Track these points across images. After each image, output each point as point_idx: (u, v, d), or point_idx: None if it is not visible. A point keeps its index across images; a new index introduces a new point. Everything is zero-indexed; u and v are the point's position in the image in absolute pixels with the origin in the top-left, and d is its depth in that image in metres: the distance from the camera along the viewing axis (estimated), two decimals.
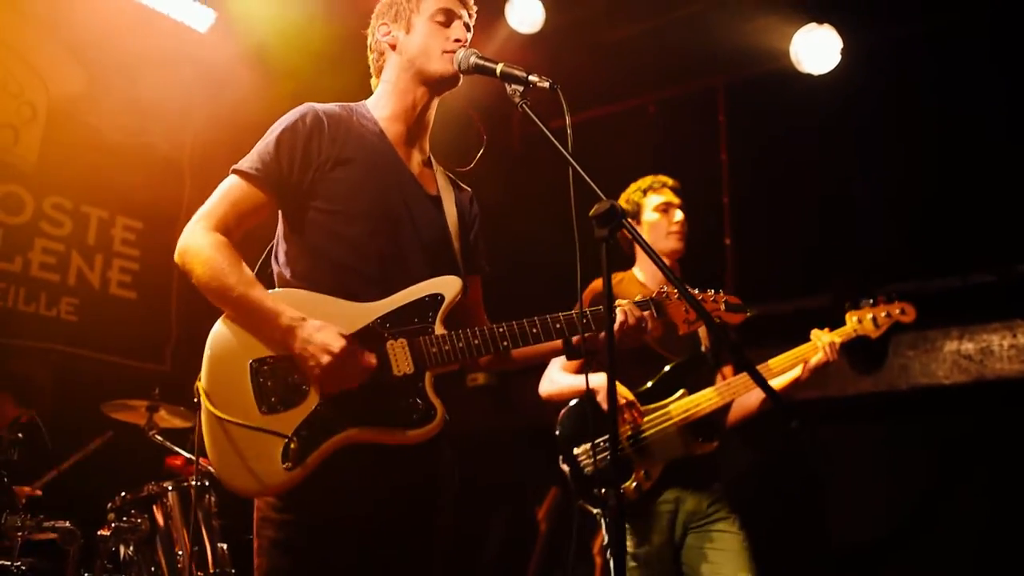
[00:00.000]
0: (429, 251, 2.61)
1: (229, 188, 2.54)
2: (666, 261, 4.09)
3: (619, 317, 2.62)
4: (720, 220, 6.40)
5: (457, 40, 2.67)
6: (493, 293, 2.92)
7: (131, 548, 4.27)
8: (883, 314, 3.85)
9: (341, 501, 2.39)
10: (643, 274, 4.16)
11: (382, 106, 2.72)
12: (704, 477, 3.82)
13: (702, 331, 3.99)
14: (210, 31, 6.28)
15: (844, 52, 5.84)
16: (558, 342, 2.68)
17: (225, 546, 4.42)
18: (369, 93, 2.81)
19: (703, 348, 3.98)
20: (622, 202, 4.24)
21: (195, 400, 2.39)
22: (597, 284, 3.98)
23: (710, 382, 3.89)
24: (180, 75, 6.28)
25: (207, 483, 4.36)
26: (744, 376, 3.80)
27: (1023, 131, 5.38)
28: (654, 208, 4.17)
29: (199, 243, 2.44)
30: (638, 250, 4.19)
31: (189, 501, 4.36)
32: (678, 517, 3.75)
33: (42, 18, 5.94)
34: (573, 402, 3.90)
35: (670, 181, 4.26)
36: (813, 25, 5.89)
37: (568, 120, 2.45)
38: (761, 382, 2.30)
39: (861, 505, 5.63)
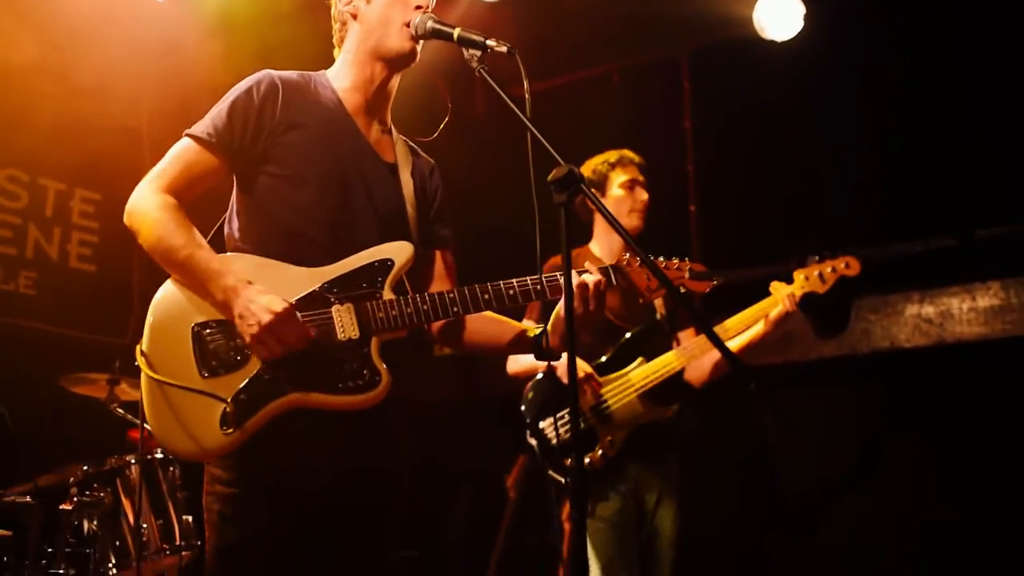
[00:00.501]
0: (383, 220, 2.59)
1: (182, 151, 2.53)
2: (617, 237, 4.17)
3: (589, 286, 2.54)
4: (684, 187, 6.42)
5: (418, 7, 2.63)
6: (462, 262, 2.90)
7: (95, 522, 4.23)
8: (828, 269, 3.95)
9: (289, 473, 2.38)
10: (600, 248, 4.21)
11: (341, 76, 2.70)
12: (661, 447, 3.97)
13: (658, 300, 4.03)
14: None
15: (807, 18, 5.85)
16: (516, 331, 2.68)
17: (190, 518, 4.41)
18: (330, 62, 2.78)
19: (659, 316, 4.07)
20: (587, 172, 4.24)
21: (135, 364, 2.39)
22: (557, 260, 4.02)
23: (667, 349, 3.99)
24: (137, 42, 6.15)
25: (170, 455, 4.33)
26: (701, 339, 3.93)
27: (986, 97, 5.43)
28: (620, 184, 4.20)
29: (148, 204, 2.44)
30: (595, 224, 4.23)
31: (153, 474, 4.34)
32: (639, 492, 3.94)
33: None
34: (537, 377, 3.99)
35: (637, 158, 4.29)
36: None
37: (527, 86, 2.43)
38: (721, 346, 2.33)
39: (823, 468, 5.70)
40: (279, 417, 2.37)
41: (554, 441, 3.83)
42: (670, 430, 3.99)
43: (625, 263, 2.68)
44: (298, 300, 2.41)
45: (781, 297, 3.91)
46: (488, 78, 2.49)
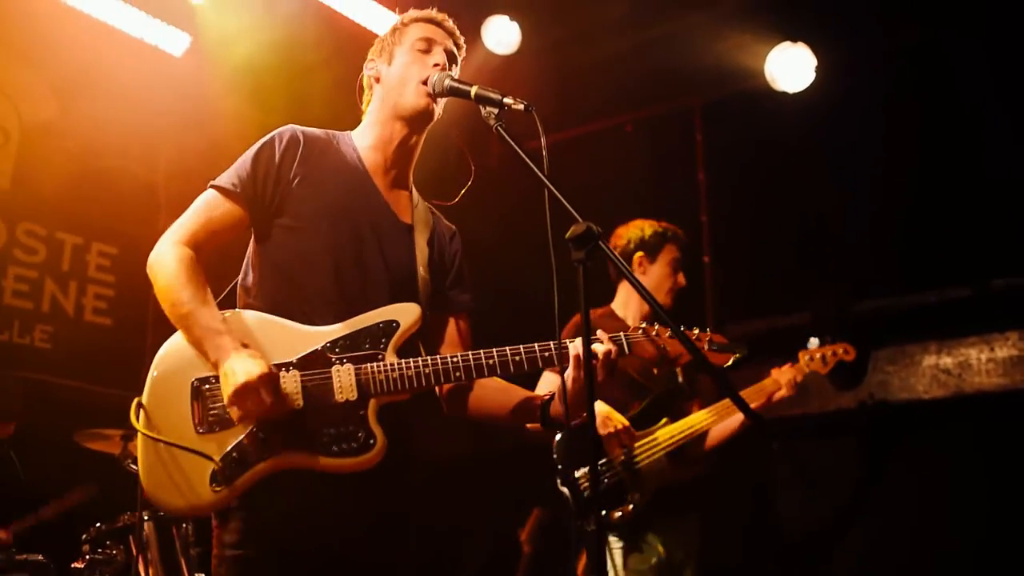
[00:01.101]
0: (394, 278, 2.59)
1: (204, 203, 2.57)
2: (644, 305, 4.23)
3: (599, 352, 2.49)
4: (699, 239, 6.41)
5: (436, 65, 2.67)
6: (476, 322, 2.87)
7: None
8: (829, 353, 4.33)
9: (296, 535, 2.36)
10: (623, 309, 4.21)
11: (364, 136, 2.74)
12: (683, 506, 4.05)
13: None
14: (185, 55, 6.24)
15: (818, 70, 5.88)
16: (522, 398, 2.62)
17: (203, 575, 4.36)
18: (347, 117, 2.83)
19: (680, 380, 4.20)
20: (641, 232, 4.33)
21: (132, 416, 2.38)
22: (579, 319, 4.00)
23: (688, 411, 4.14)
24: (155, 99, 6.22)
25: (161, 511, 4.28)
26: (725, 402, 4.04)
27: (1001, 145, 5.43)
28: (669, 261, 4.32)
29: (165, 257, 2.47)
30: (619, 284, 4.24)
31: (166, 530, 4.30)
32: (665, 548, 3.97)
33: (13, 42, 5.88)
34: (565, 431, 3.94)
35: (684, 238, 4.43)
36: (787, 43, 5.92)
37: (543, 142, 2.43)
38: (744, 407, 2.31)
39: (839, 520, 5.63)
40: (276, 476, 2.36)
41: (587, 493, 3.86)
42: (692, 490, 4.09)
43: (640, 333, 2.60)
44: (300, 359, 2.41)
45: (784, 382, 4.19)
46: (506, 136, 2.49)
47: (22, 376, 5.63)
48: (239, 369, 2.30)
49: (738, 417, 4.13)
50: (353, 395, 2.40)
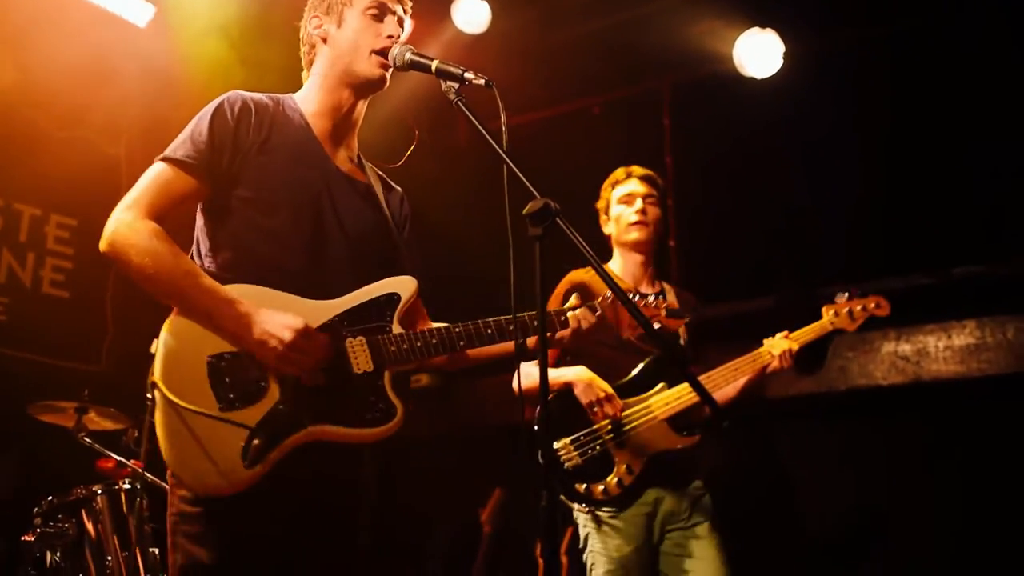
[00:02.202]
0: (352, 243, 2.57)
1: (159, 175, 2.44)
2: (635, 256, 4.03)
3: (572, 324, 2.67)
4: (666, 223, 6.41)
5: (390, 36, 2.63)
6: (438, 293, 2.88)
7: (58, 554, 4.14)
8: (859, 308, 3.89)
9: (257, 504, 2.30)
10: (619, 267, 4.07)
11: (310, 100, 2.68)
12: (684, 475, 3.77)
13: (681, 327, 3.92)
14: (149, 25, 6.15)
15: (786, 56, 5.89)
16: (508, 345, 2.66)
17: (157, 551, 4.31)
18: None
19: (682, 342, 3.92)
20: (599, 200, 4.18)
21: (147, 396, 2.32)
22: (574, 275, 3.92)
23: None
24: (118, 70, 6.14)
25: (138, 486, 4.25)
26: (725, 369, 3.79)
27: (964, 136, 5.47)
28: (618, 200, 4.08)
29: (135, 233, 2.34)
30: (614, 243, 4.11)
31: (120, 505, 4.25)
32: (656, 517, 3.69)
33: None
34: (551, 397, 3.77)
35: (639, 170, 4.16)
36: (756, 29, 5.94)
37: (503, 118, 2.41)
38: (698, 387, 2.30)
39: (798, 504, 5.68)
40: (297, 449, 2.33)
41: (567, 465, 3.64)
42: (692, 459, 3.79)
43: (610, 300, 2.70)
44: (319, 328, 2.40)
45: (777, 353, 3.80)
46: (465, 110, 2.46)
47: None
48: (275, 328, 2.28)
49: (737, 384, 3.83)
50: (370, 366, 2.42)
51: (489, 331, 2.55)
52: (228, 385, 2.31)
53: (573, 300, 2.69)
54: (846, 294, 3.91)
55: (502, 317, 2.56)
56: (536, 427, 3.75)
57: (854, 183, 5.71)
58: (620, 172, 4.17)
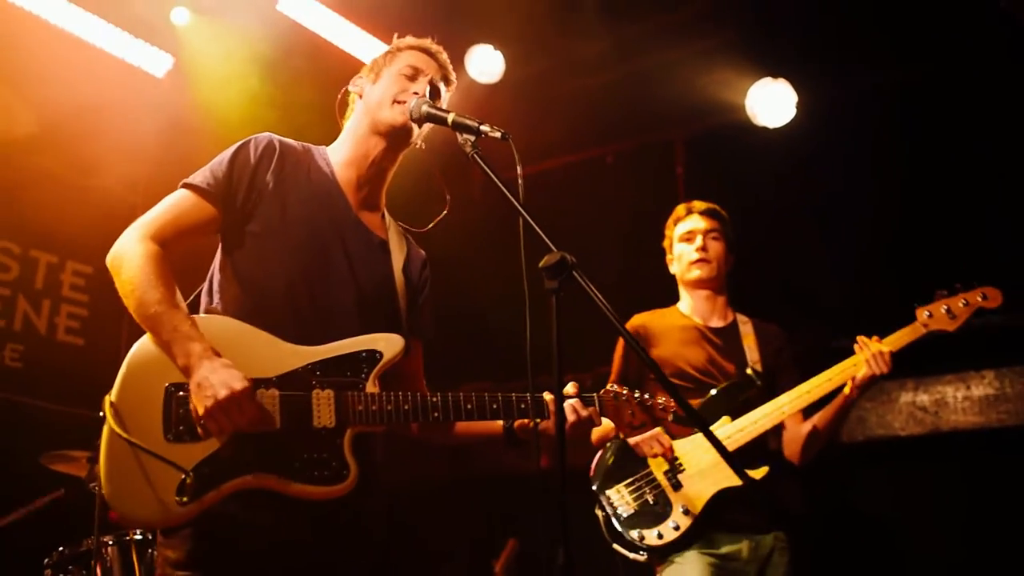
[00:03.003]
0: (363, 294, 2.56)
1: (175, 200, 2.50)
2: (700, 292, 3.94)
3: (569, 416, 2.54)
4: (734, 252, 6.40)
5: (415, 92, 2.68)
6: (451, 348, 2.86)
7: None
8: (960, 303, 3.47)
9: (245, 559, 2.28)
10: (687, 306, 3.98)
11: (340, 151, 2.74)
12: (757, 522, 3.51)
13: (753, 353, 3.79)
14: (167, 76, 6.23)
15: (799, 106, 5.92)
16: (493, 426, 2.63)
17: None
18: (324, 138, 2.82)
19: (749, 370, 3.71)
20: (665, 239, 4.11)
21: (99, 414, 2.28)
22: (636, 320, 3.89)
23: (754, 407, 3.60)
24: (136, 119, 6.20)
25: (149, 537, 4.21)
26: (790, 396, 3.54)
27: (976, 183, 5.46)
28: (679, 238, 4.00)
29: (131, 251, 2.39)
30: (679, 281, 4.03)
31: (130, 556, 4.21)
32: (729, 566, 3.46)
33: None
34: (608, 444, 3.70)
35: (700, 205, 4.06)
36: (768, 79, 5.97)
37: (519, 171, 2.41)
38: (714, 441, 2.25)
39: (819, 554, 5.60)
40: (238, 495, 2.27)
41: (620, 512, 3.48)
42: (769, 502, 3.55)
43: (612, 396, 2.62)
44: (279, 377, 2.35)
45: (867, 356, 3.44)
46: (481, 163, 2.47)
47: None
48: (215, 380, 2.22)
49: (808, 424, 3.57)
50: (332, 423, 2.35)
51: (469, 407, 2.48)
52: (180, 417, 2.27)
53: (570, 388, 2.57)
54: (946, 291, 3.51)
55: (485, 394, 2.50)
56: (592, 476, 3.62)
57: (868, 232, 5.69)
58: (681, 209, 4.09)
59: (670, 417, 2.64)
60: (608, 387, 2.64)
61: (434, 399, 2.46)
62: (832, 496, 5.66)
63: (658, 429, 3.50)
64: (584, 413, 2.57)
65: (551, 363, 2.18)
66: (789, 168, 5.89)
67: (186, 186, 2.50)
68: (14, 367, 5.84)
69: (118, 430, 2.23)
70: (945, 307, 3.48)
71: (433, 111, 2.58)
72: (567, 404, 2.54)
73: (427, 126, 2.69)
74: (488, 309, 5.57)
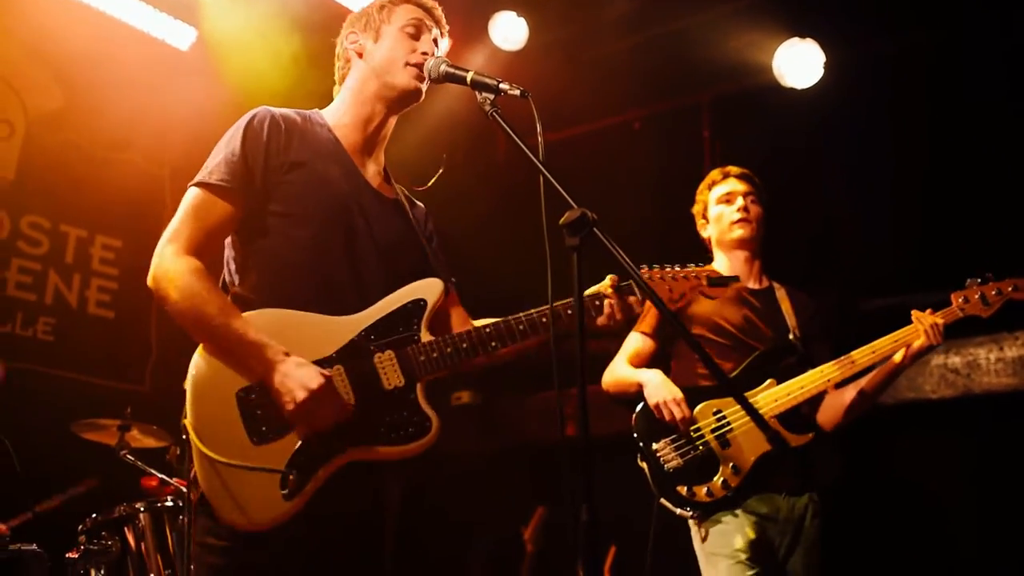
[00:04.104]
0: (384, 254, 2.55)
1: (197, 205, 2.43)
2: (740, 253, 3.95)
3: (606, 310, 2.55)
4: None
5: (424, 53, 2.65)
6: (474, 307, 2.85)
7: (102, 571, 4.16)
8: (993, 292, 3.63)
9: (280, 540, 2.28)
10: (723, 268, 3.96)
11: (341, 113, 2.69)
12: (796, 485, 3.58)
13: (791, 319, 3.82)
14: (191, 49, 6.25)
15: (827, 66, 5.83)
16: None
17: None
18: None
19: (791, 336, 3.76)
20: (694, 204, 4.12)
21: (183, 437, 2.30)
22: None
23: (800, 370, 3.64)
24: (161, 92, 6.24)
25: (181, 504, 4.26)
26: (838, 364, 3.58)
27: (1009, 143, 5.36)
28: (717, 200, 4.02)
29: (173, 268, 2.34)
30: (715, 245, 4.03)
31: (163, 523, 4.27)
32: (766, 533, 3.51)
33: (18, 35, 5.89)
34: (644, 403, 3.67)
35: (735, 169, 4.10)
36: (795, 40, 5.88)
37: (539, 128, 2.39)
38: (743, 402, 2.23)
39: (849, 521, 5.57)
40: (336, 473, 2.31)
41: (668, 466, 3.50)
42: (805, 463, 3.61)
43: (647, 276, 2.65)
44: (338, 352, 2.37)
45: (925, 326, 3.52)
46: (501, 120, 2.45)
47: (24, 368, 5.64)
48: (292, 384, 2.24)
49: (851, 390, 3.63)
50: (401, 381, 2.38)
51: (521, 327, 2.49)
52: (260, 418, 2.30)
53: (607, 282, 2.58)
54: (978, 279, 3.65)
55: (533, 310, 2.51)
56: (634, 431, 3.62)
57: (897, 192, 5.61)
58: (716, 173, 4.11)
59: (704, 282, 2.70)
60: (640, 267, 2.62)
61: (488, 330, 2.48)
62: (862, 460, 5.62)
63: (680, 397, 3.54)
64: (623, 304, 2.56)
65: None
66: (817, 129, 5.82)
67: (203, 186, 2.44)
68: (46, 340, 5.92)
69: (209, 453, 2.24)
70: (979, 294, 3.63)
71: (452, 70, 2.54)
72: (608, 299, 2.55)
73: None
74: (511, 271, 5.56)
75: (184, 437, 2.30)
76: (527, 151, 2.37)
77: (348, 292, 2.46)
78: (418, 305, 2.47)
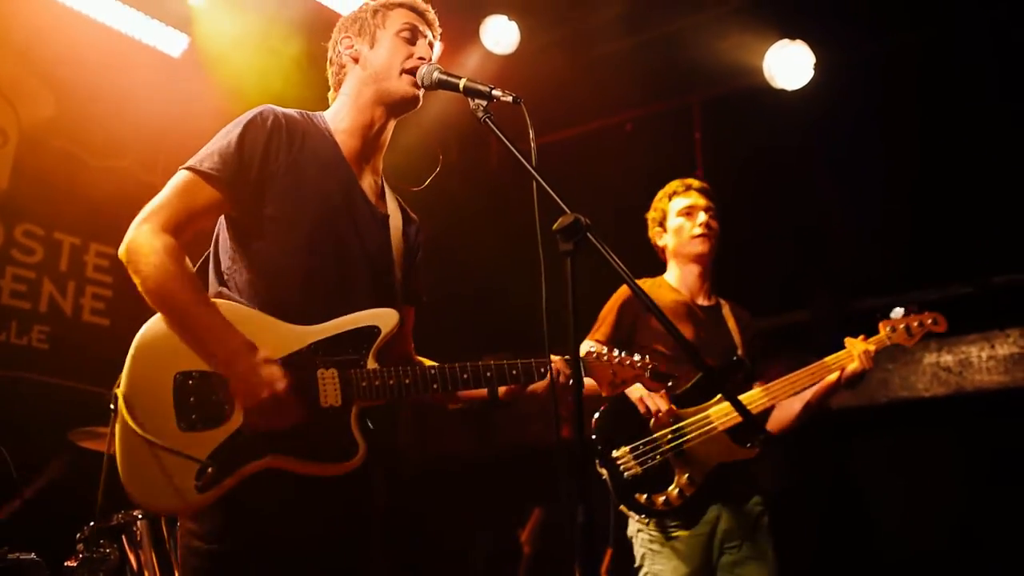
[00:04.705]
0: (373, 271, 2.56)
1: (183, 186, 2.42)
2: (694, 267, 4.06)
3: (559, 378, 2.56)
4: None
5: (420, 58, 2.65)
6: (468, 313, 2.88)
7: None
8: (916, 324, 3.85)
9: (266, 531, 2.31)
10: (675, 279, 4.08)
11: (340, 119, 2.67)
12: (744, 489, 3.77)
13: (736, 336, 3.97)
14: (183, 56, 6.25)
15: (817, 68, 5.86)
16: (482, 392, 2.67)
17: None
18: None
19: (738, 354, 3.91)
20: (650, 211, 4.20)
21: (111, 406, 2.29)
22: (625, 289, 3.94)
23: (746, 388, 3.83)
24: (153, 99, 6.23)
25: (140, 509, 4.25)
26: (787, 380, 3.77)
27: (998, 144, 5.40)
28: (678, 212, 4.10)
29: (149, 244, 2.32)
30: (670, 255, 4.12)
31: (160, 531, 4.27)
32: (716, 536, 3.69)
33: (12, 43, 5.89)
34: (605, 406, 3.79)
35: (696, 183, 4.19)
36: (785, 41, 5.92)
37: (532, 135, 2.40)
38: (739, 406, 2.28)
39: (842, 518, 5.60)
40: (254, 476, 2.29)
41: (627, 474, 3.61)
42: (753, 474, 3.80)
43: (593, 356, 2.69)
44: (284, 358, 2.34)
45: (857, 353, 3.75)
46: (493, 127, 2.47)
47: (19, 376, 5.64)
48: (261, 380, 2.24)
49: (802, 397, 3.81)
50: (338, 401, 2.36)
51: (465, 376, 2.50)
52: (192, 405, 2.28)
53: (554, 359, 2.59)
54: (902, 310, 3.88)
55: (479, 363, 2.52)
56: (593, 435, 3.72)
57: (888, 193, 5.65)
58: (678, 184, 4.19)
59: (647, 373, 2.73)
60: (591, 350, 2.70)
61: (432, 372, 2.48)
62: (855, 460, 5.66)
63: (661, 390, 3.61)
64: (568, 373, 2.56)
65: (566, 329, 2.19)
66: (807, 130, 5.85)
67: (193, 171, 2.42)
68: (41, 348, 5.91)
69: (133, 426, 2.23)
70: (904, 325, 3.86)
71: (445, 77, 2.56)
72: (555, 363, 2.55)
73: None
74: (503, 277, 5.58)
75: (112, 406, 2.28)
76: (520, 157, 2.40)
77: (332, 303, 2.45)
78: (371, 332, 2.44)
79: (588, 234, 2.20)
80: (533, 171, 2.36)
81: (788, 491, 5.64)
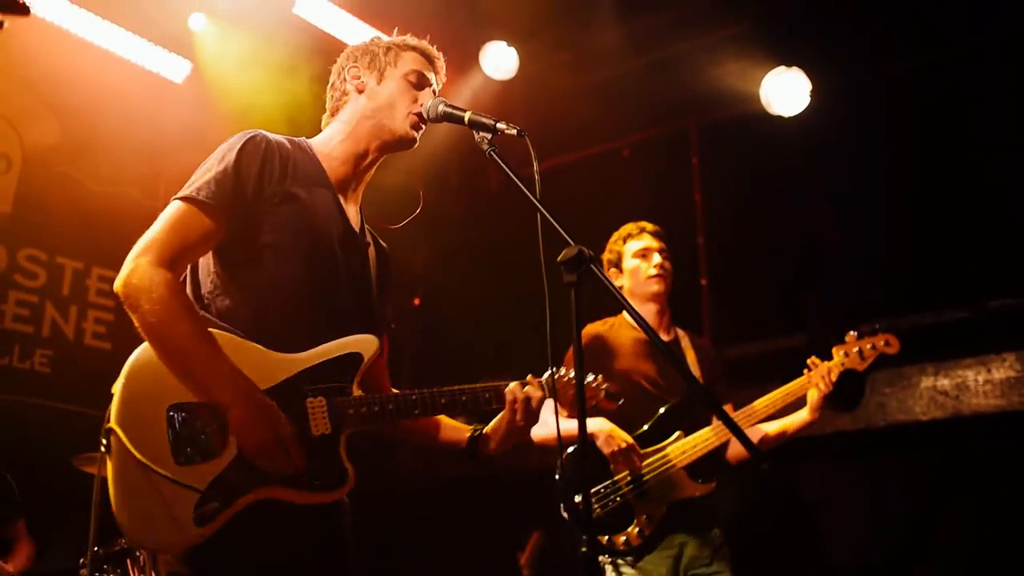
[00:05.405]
0: (358, 298, 2.59)
1: (178, 217, 2.38)
2: (651, 306, 4.19)
3: (507, 398, 2.60)
4: (695, 260, 6.44)
5: (422, 105, 2.68)
6: (468, 340, 2.92)
7: None
8: (868, 346, 3.90)
9: (247, 561, 2.30)
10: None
11: (332, 146, 2.68)
12: (705, 521, 3.87)
13: (696, 369, 4.10)
14: (186, 81, 6.31)
15: (813, 94, 5.92)
16: (461, 438, 2.73)
17: None
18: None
19: (699, 384, 3.99)
20: (606, 252, 4.32)
21: (103, 443, 2.23)
22: (591, 329, 4.12)
23: (706, 422, 3.91)
24: (156, 125, 6.29)
25: (133, 545, 4.26)
26: (740, 414, 3.87)
27: (993, 169, 5.45)
28: (633, 254, 4.24)
29: (149, 279, 2.29)
30: (627, 295, 4.21)
31: None
32: (682, 561, 3.79)
33: (15, 69, 5.94)
34: (572, 448, 3.91)
35: (649, 226, 4.33)
36: (782, 68, 5.98)
37: (536, 167, 2.44)
38: (736, 430, 2.32)
39: (841, 543, 5.61)
40: (246, 509, 2.29)
41: (593, 514, 3.71)
42: (710, 506, 3.88)
43: (559, 377, 2.75)
44: (272, 388, 2.34)
45: (816, 379, 3.84)
46: (499, 160, 2.51)
47: (22, 400, 5.65)
48: (270, 423, 2.25)
49: (756, 432, 3.92)
50: (328, 429, 2.38)
51: (443, 400, 2.53)
52: (186, 439, 2.25)
53: (530, 378, 2.68)
54: (855, 333, 3.93)
55: (456, 387, 2.56)
56: (557, 477, 3.86)
57: (884, 218, 5.70)
58: (632, 227, 4.34)
59: (602, 394, 2.86)
60: (552, 370, 2.75)
61: (413, 397, 2.52)
62: (852, 483, 5.67)
63: (633, 444, 3.79)
64: (528, 395, 2.61)
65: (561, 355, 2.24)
66: (803, 156, 5.91)
67: (188, 200, 2.38)
68: (43, 372, 5.94)
69: (142, 458, 2.19)
70: (857, 349, 3.91)
71: (450, 110, 2.60)
72: (512, 389, 2.61)
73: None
74: (510, 303, 5.61)
75: (104, 444, 2.23)
76: (525, 190, 2.44)
77: (322, 330, 2.46)
78: (354, 359, 2.46)
79: (591, 266, 2.25)
80: (537, 203, 2.40)
81: (782, 518, 5.68)
